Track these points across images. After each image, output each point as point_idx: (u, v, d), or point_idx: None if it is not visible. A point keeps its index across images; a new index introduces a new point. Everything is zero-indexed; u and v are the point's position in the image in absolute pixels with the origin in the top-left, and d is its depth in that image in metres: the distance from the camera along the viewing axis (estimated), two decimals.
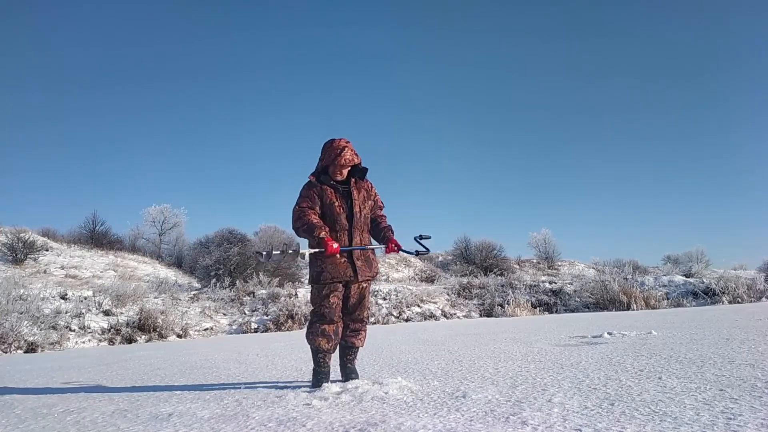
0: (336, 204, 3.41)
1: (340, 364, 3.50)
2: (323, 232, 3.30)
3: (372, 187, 3.64)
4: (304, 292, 14.38)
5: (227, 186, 44.93)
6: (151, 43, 44.80)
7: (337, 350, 3.51)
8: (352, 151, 3.45)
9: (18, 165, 41.11)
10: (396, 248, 3.42)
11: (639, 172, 46.69)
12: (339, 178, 3.47)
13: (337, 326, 3.39)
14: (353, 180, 3.52)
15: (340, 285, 3.37)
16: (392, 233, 3.53)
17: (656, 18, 49.56)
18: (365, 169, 3.58)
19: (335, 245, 3.26)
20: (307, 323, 3.53)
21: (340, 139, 3.48)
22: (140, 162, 43.03)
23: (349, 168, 3.49)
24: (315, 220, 3.34)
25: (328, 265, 3.33)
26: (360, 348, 3.56)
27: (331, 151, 3.44)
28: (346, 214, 3.43)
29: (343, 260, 3.35)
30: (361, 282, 3.44)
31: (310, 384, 3.42)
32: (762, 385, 2.44)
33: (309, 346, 3.44)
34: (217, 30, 47.94)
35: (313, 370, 3.44)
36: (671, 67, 49.30)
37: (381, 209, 3.68)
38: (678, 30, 48.91)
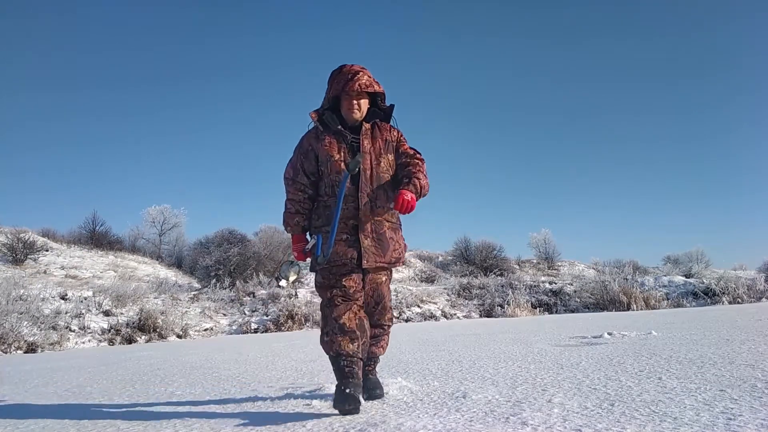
0: (335, 159, 2.53)
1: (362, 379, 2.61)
2: (292, 224, 2.60)
3: (398, 134, 2.69)
4: (304, 293, 14.39)
5: (227, 186, 44.90)
6: (152, 43, 44.82)
7: None
8: (369, 76, 2.57)
9: (18, 165, 41.13)
10: (405, 207, 2.41)
11: (639, 173, 46.69)
12: (355, 116, 2.56)
13: (360, 314, 2.50)
14: (367, 126, 2.62)
15: (347, 271, 2.51)
16: (412, 182, 2.49)
17: (657, 20, 49.59)
18: (389, 108, 2.67)
19: (296, 249, 2.60)
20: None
21: (353, 65, 2.59)
22: (140, 162, 43.02)
23: (367, 100, 2.60)
24: (289, 204, 2.63)
25: None
26: (381, 356, 2.84)
27: (340, 77, 2.55)
28: (351, 176, 2.53)
29: (344, 236, 2.49)
30: (373, 272, 2.58)
31: (311, 388, 3.41)
32: (762, 386, 2.44)
33: (327, 356, 2.51)
34: (217, 30, 47.95)
35: (336, 386, 2.42)
36: (671, 68, 49.31)
37: (410, 158, 2.65)
38: (678, 31, 48.94)
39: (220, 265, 17.65)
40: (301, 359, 5.15)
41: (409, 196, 2.43)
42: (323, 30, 48.75)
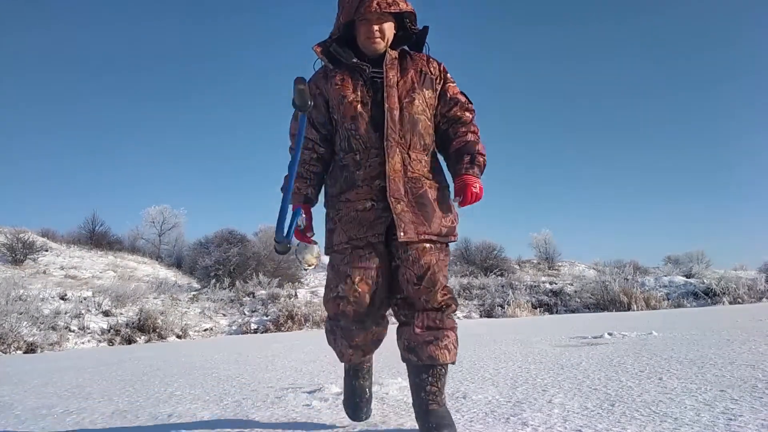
0: (349, 99, 1.91)
1: (413, 402, 1.92)
2: (296, 191, 1.97)
3: (440, 67, 2.03)
4: (304, 293, 14.38)
5: (227, 186, 44.91)
6: (152, 44, 44.83)
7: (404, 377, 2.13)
8: None
9: (18, 165, 41.12)
10: (474, 200, 1.87)
11: (640, 173, 46.70)
12: (377, 46, 1.93)
13: (365, 327, 1.93)
14: (393, 53, 1.97)
15: (370, 252, 1.87)
16: (476, 163, 1.92)
17: (667, 21, 49.59)
18: (422, 32, 2.02)
19: (300, 222, 1.94)
20: None
21: None
22: (140, 162, 43.03)
23: (392, 23, 1.96)
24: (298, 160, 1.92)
25: (344, 217, 1.90)
26: (449, 364, 1.91)
27: None
28: (370, 115, 1.89)
29: (368, 204, 1.86)
30: (414, 243, 1.87)
31: (310, 389, 3.40)
32: (763, 386, 2.44)
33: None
34: (217, 30, 47.97)
35: (343, 397, 2.19)
36: (671, 68, 49.31)
37: (462, 109, 2.02)
38: (685, 33, 48.95)
39: (219, 265, 17.65)
40: (301, 359, 5.15)
41: (477, 185, 1.87)
42: (326, 27, 48.67)
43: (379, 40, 1.93)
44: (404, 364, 1.95)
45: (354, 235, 1.87)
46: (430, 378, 1.86)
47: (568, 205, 44.35)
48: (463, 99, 2.04)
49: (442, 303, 1.89)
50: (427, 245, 1.89)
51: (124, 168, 43.26)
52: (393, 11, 1.91)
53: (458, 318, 14.40)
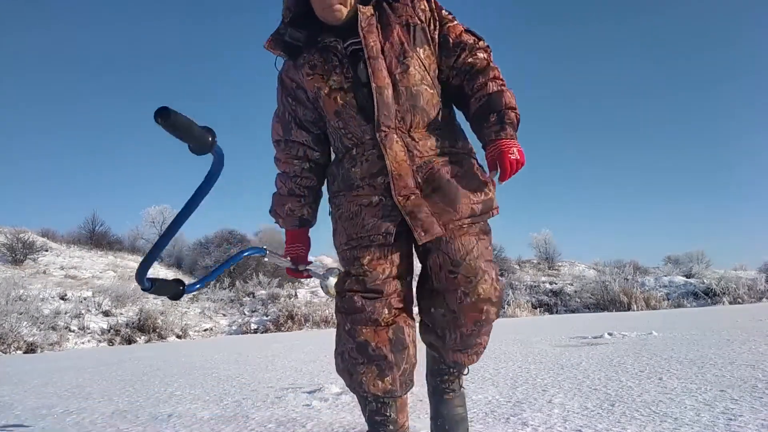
0: (327, 92, 1.53)
1: (429, 399, 1.69)
2: (282, 212, 1.70)
3: (432, 5, 1.58)
4: (304, 293, 14.39)
5: (227, 186, 44.87)
6: (152, 44, 44.85)
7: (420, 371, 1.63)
8: None
9: (18, 165, 41.12)
10: (514, 170, 1.45)
11: (639, 173, 46.70)
12: (337, 12, 1.48)
13: (399, 320, 1.49)
14: (366, 10, 1.51)
15: (380, 249, 1.50)
16: (507, 119, 1.49)
17: (667, 21, 49.61)
18: None
19: (290, 253, 1.72)
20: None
21: None
22: (140, 162, 43.02)
23: None
24: (280, 181, 1.71)
25: (344, 213, 1.56)
26: (469, 367, 1.66)
27: None
28: (357, 105, 1.51)
29: (375, 198, 1.50)
30: (445, 234, 1.48)
31: (310, 389, 3.40)
32: (763, 386, 2.44)
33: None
34: (217, 30, 47.98)
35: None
36: (672, 68, 49.32)
37: (471, 53, 1.57)
38: (685, 33, 48.96)
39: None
40: (301, 359, 5.15)
41: (514, 151, 1.44)
42: None
43: (338, 5, 1.47)
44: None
45: (354, 234, 1.51)
46: (447, 375, 1.65)
47: (568, 205, 44.33)
48: (470, 39, 1.58)
49: (477, 299, 1.45)
50: (464, 226, 1.50)
51: (124, 168, 43.23)
52: None
53: None
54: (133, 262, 21.14)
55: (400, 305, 1.51)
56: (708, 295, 14.62)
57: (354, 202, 1.55)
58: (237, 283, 15.44)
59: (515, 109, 1.53)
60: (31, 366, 6.63)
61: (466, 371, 1.68)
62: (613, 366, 3.43)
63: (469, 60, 1.58)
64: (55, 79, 42.57)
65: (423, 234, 1.46)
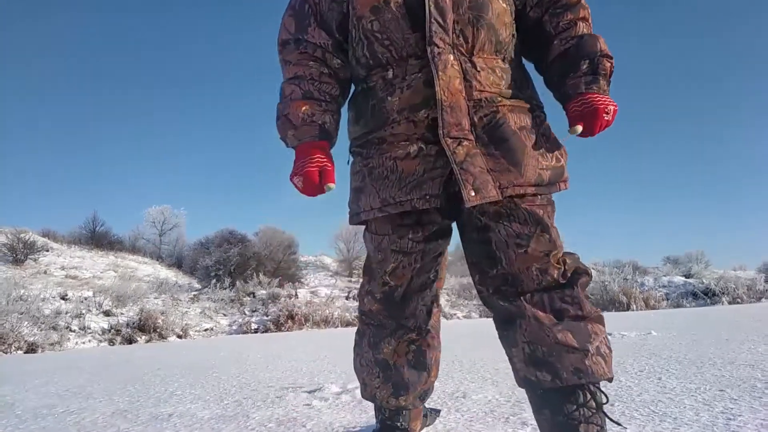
0: None
1: None
2: (299, 120, 1.26)
3: None
4: (304, 293, 14.39)
5: (227, 186, 44.91)
6: (153, 44, 44.85)
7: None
8: None
9: (18, 165, 41.12)
10: (604, 127, 1.23)
11: (639, 173, 46.71)
12: None
13: (420, 350, 1.44)
14: None
15: (416, 225, 1.27)
16: (600, 70, 1.22)
17: (662, 18, 49.62)
18: None
19: (311, 166, 1.23)
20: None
21: None
22: (141, 163, 43.03)
23: None
24: (290, 86, 1.30)
25: (375, 168, 1.26)
26: (607, 379, 1.29)
27: None
28: (403, 2, 1.20)
29: (413, 148, 1.20)
30: (501, 201, 1.21)
31: (310, 388, 3.40)
32: (762, 386, 2.44)
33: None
34: (217, 30, 47.99)
35: None
36: (673, 68, 49.34)
37: None
38: (685, 33, 48.98)
39: (220, 265, 17.67)
40: (301, 359, 5.15)
41: (611, 109, 1.20)
42: None
43: None
44: (521, 389, 1.23)
45: (391, 198, 1.21)
46: (583, 409, 1.14)
47: (568, 205, 44.31)
48: None
49: (569, 271, 1.22)
50: (528, 195, 1.22)
51: (125, 168, 43.25)
52: None
53: (458, 318, 14.34)
54: (134, 262, 21.14)
55: (425, 324, 1.40)
56: (707, 295, 14.62)
57: (387, 155, 1.22)
58: (237, 283, 15.44)
59: (611, 58, 1.24)
60: (31, 366, 6.64)
61: (599, 393, 1.21)
62: (613, 365, 3.43)
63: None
64: (55, 79, 42.59)
65: (473, 195, 1.14)
